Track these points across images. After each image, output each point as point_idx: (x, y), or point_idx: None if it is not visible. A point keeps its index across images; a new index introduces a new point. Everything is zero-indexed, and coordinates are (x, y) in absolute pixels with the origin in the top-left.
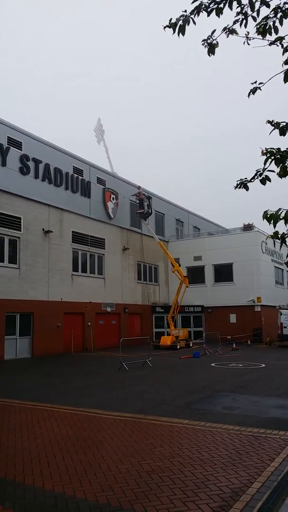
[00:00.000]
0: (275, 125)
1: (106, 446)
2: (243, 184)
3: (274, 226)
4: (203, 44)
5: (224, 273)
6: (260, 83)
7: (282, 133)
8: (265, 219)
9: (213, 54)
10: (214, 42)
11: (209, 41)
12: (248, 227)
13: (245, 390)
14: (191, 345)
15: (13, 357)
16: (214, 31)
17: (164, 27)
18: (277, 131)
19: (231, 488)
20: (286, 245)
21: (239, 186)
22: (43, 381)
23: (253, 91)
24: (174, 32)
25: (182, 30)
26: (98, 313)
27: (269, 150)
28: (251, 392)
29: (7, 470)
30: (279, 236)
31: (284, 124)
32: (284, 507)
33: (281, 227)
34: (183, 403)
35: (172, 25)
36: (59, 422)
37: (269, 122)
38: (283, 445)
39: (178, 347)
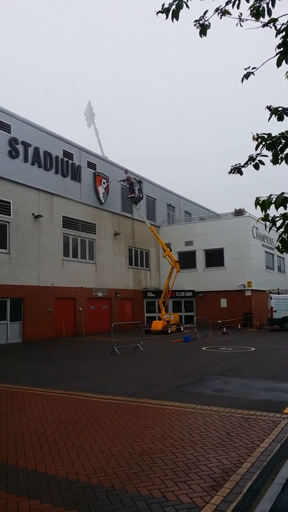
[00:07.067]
0: (273, 110)
1: (98, 429)
2: (237, 169)
3: (265, 212)
4: (195, 25)
5: (215, 258)
6: (253, 68)
7: (280, 118)
8: (257, 206)
9: (205, 35)
10: (206, 23)
11: (201, 21)
12: (239, 212)
13: (236, 373)
14: (182, 329)
15: (4, 342)
16: (206, 11)
17: (157, 13)
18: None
19: (222, 468)
20: (276, 227)
21: (233, 171)
22: (34, 365)
23: (247, 76)
24: (167, 17)
25: (175, 15)
26: (90, 298)
27: (260, 135)
28: (241, 375)
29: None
30: (270, 219)
31: (281, 109)
32: (273, 486)
33: (272, 212)
34: (174, 386)
35: (165, 10)
36: (51, 406)
37: (267, 107)
38: (273, 426)
39: (169, 331)
